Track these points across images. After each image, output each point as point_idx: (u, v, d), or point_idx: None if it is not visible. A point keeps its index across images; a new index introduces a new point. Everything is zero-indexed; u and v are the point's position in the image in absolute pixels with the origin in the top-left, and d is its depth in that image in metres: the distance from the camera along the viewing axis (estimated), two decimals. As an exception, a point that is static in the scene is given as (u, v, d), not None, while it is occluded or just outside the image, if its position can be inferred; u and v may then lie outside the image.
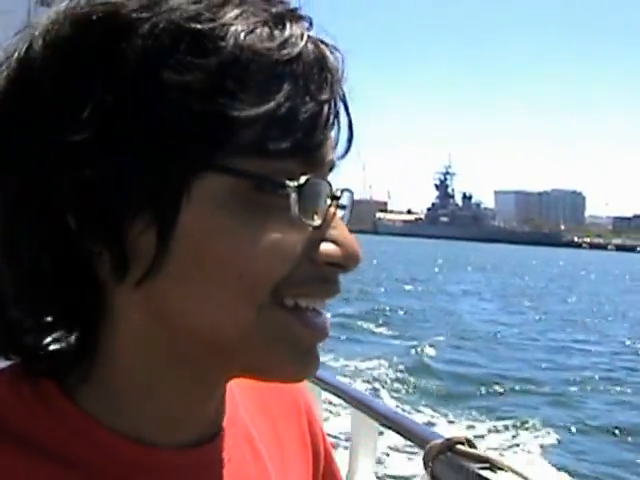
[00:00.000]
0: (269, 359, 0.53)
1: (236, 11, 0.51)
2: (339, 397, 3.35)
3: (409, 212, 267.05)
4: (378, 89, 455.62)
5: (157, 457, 0.56)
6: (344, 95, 0.55)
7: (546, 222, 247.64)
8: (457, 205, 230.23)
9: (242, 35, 0.50)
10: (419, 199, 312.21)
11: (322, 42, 0.54)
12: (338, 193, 0.54)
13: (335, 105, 0.53)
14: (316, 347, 0.55)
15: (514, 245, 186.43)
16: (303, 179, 0.50)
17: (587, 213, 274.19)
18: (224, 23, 0.50)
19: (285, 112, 0.50)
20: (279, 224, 0.50)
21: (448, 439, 1.93)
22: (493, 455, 1.91)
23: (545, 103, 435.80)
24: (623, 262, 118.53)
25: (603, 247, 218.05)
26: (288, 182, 0.50)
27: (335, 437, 8.43)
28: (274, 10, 0.52)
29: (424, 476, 1.89)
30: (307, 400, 0.74)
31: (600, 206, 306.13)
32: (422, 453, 1.94)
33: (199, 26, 0.49)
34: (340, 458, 3.57)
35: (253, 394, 0.68)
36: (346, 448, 3.77)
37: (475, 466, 1.84)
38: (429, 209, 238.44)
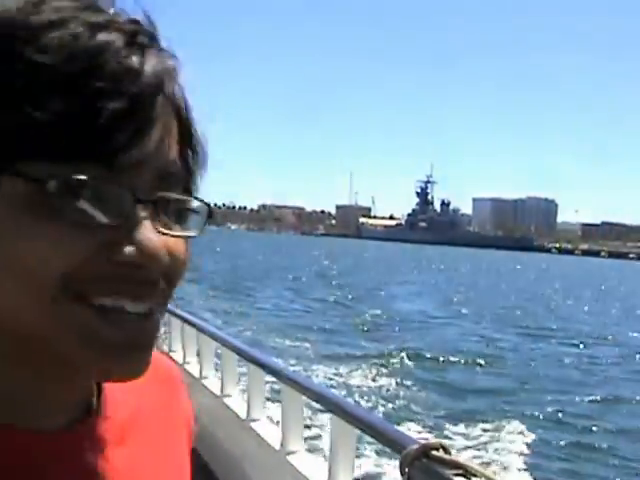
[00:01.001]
0: (84, 357, 0.53)
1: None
2: (318, 402, 3.26)
3: (391, 217, 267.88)
4: (363, 97, 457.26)
5: (15, 439, 0.55)
6: (178, 104, 0.56)
7: (519, 228, 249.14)
8: (435, 211, 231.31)
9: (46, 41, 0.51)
10: (403, 204, 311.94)
11: (133, 43, 0.53)
12: (155, 197, 0.54)
13: (150, 110, 0.53)
14: (137, 348, 0.54)
15: (487, 249, 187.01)
16: (92, 182, 0.51)
17: (560, 219, 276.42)
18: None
19: (77, 116, 0.50)
20: (62, 224, 0.51)
21: (423, 445, 1.87)
22: (467, 462, 1.85)
23: (521, 113, 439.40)
24: (582, 266, 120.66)
25: (570, 252, 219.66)
26: (73, 184, 0.50)
27: (315, 441, 8.49)
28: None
29: (400, 483, 1.82)
30: (183, 389, 0.75)
31: (572, 213, 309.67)
32: (398, 459, 1.89)
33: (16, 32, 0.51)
34: (320, 463, 3.41)
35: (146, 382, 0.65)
36: (325, 457, 3.66)
37: (450, 472, 1.78)
38: (409, 215, 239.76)
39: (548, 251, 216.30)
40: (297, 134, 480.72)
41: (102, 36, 0.51)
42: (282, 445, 3.62)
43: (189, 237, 0.57)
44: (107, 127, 0.50)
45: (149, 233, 0.53)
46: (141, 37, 0.54)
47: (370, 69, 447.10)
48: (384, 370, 15.41)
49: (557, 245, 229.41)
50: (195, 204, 0.58)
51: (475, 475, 1.80)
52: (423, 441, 1.89)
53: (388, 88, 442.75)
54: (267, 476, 3.89)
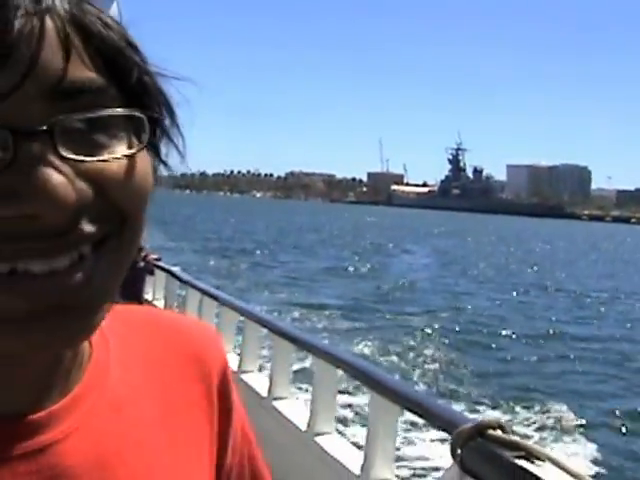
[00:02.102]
0: None
1: None
2: (355, 377, 2.98)
3: (424, 185, 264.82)
4: (396, 60, 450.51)
5: None
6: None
7: (553, 195, 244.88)
8: (468, 178, 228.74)
9: None
10: (437, 171, 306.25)
11: None
12: (50, 123, 0.44)
13: (17, 28, 0.43)
14: (51, 315, 0.44)
15: (519, 217, 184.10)
16: None
17: (596, 186, 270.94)
18: None
19: None
20: None
21: (479, 423, 1.65)
22: (529, 442, 1.62)
23: (557, 78, 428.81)
24: (606, 232, 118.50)
25: (601, 218, 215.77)
26: None
27: (352, 421, 7.91)
28: None
29: (453, 467, 1.59)
30: (219, 358, 0.66)
31: (608, 180, 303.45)
32: (449, 439, 1.66)
33: None
34: (352, 445, 3.05)
35: (148, 352, 0.61)
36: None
37: (510, 455, 1.55)
38: (442, 182, 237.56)
39: (579, 218, 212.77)
40: (329, 100, 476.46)
41: None
42: (309, 425, 3.27)
43: (117, 158, 0.47)
44: None
45: (40, 171, 0.43)
46: None
47: (406, 33, 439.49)
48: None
49: (587, 212, 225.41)
50: (121, 116, 0.47)
51: (539, 458, 1.57)
52: (478, 419, 1.67)
53: (420, 52, 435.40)
54: (291, 460, 3.51)
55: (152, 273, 8.20)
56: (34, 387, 0.51)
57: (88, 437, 0.52)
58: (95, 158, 0.45)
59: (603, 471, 8.65)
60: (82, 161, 0.45)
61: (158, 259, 8.43)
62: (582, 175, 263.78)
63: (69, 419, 0.52)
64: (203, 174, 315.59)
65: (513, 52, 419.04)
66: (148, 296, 8.31)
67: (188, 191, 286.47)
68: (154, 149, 0.51)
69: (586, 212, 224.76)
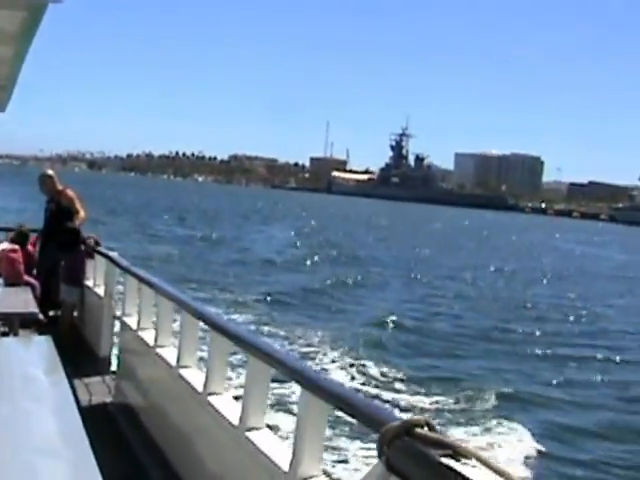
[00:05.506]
0: None
1: None
2: (287, 374, 3.06)
3: (367, 172, 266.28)
4: (342, 42, 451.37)
5: None
6: None
7: (499, 186, 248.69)
8: (410, 166, 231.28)
9: None
10: (381, 158, 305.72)
11: None
12: None
13: None
14: None
15: (459, 208, 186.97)
16: None
17: (550, 178, 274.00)
18: None
19: None
20: None
21: (405, 422, 1.72)
22: (456, 441, 1.69)
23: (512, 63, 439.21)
24: (527, 225, 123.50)
25: (544, 211, 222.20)
26: None
27: (282, 416, 8.05)
28: None
29: (378, 464, 1.65)
30: None
31: (557, 171, 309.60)
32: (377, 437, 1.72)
33: None
34: (286, 441, 3.15)
35: None
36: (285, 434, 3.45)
37: (437, 453, 1.62)
38: (382, 169, 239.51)
39: (522, 210, 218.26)
40: (276, 77, 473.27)
41: None
42: (241, 421, 3.42)
43: None
44: None
45: None
46: None
47: (358, 18, 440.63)
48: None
49: (530, 205, 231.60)
50: None
51: (465, 456, 1.64)
52: (405, 417, 1.74)
53: (371, 36, 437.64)
54: (223, 455, 3.71)
55: (92, 256, 8.35)
56: None
57: None
58: None
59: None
60: None
61: (98, 243, 8.45)
62: (533, 166, 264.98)
63: None
64: (149, 155, 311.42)
65: (469, 34, 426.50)
66: (89, 282, 8.39)
67: (133, 174, 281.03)
68: None
69: (529, 205, 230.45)
